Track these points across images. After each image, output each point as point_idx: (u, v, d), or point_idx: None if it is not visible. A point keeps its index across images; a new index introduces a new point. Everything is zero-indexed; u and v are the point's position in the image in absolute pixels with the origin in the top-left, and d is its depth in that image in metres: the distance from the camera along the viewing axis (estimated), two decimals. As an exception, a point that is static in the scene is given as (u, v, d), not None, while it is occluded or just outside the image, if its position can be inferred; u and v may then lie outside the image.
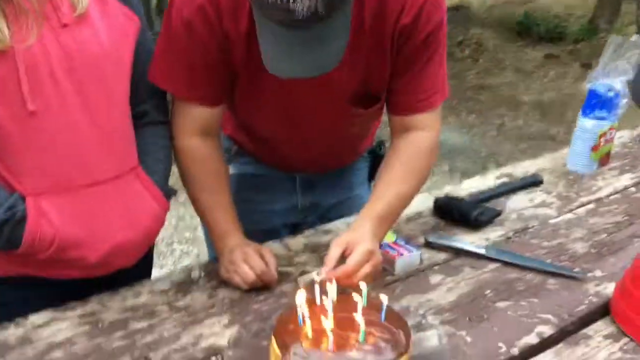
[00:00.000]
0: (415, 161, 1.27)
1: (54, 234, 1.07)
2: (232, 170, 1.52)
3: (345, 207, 1.56)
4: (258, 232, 1.44)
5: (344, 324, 0.97)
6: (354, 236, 1.16)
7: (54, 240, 1.07)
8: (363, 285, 1.03)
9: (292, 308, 0.99)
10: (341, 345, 0.94)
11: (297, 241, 1.43)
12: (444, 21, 1.19)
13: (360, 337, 0.94)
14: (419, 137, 1.27)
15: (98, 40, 1.09)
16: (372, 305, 1.01)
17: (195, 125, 1.25)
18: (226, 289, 1.24)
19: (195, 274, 1.30)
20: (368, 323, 0.98)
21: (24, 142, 1.05)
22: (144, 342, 1.08)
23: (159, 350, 1.06)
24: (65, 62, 1.05)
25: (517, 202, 1.63)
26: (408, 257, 1.30)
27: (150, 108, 1.25)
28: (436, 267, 1.33)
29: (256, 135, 1.43)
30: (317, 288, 1.02)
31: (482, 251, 1.36)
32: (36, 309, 1.16)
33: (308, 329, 0.95)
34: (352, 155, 1.53)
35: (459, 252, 1.38)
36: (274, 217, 1.54)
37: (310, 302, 1.00)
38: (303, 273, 1.28)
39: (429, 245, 1.41)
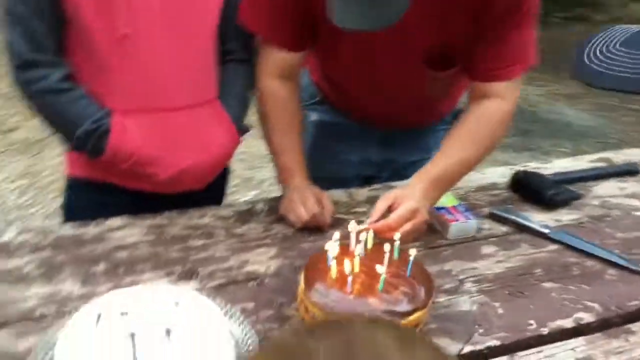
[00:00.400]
0: (483, 129, 1.25)
1: (133, 149, 1.19)
2: (314, 116, 1.58)
3: (420, 168, 1.56)
4: (331, 180, 1.50)
5: (370, 272, 1.00)
6: (403, 193, 1.18)
7: (132, 155, 1.19)
8: (397, 239, 1.06)
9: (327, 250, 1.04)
10: (360, 290, 0.98)
11: (362, 192, 1.46)
12: None
13: (380, 286, 0.97)
14: (491, 106, 1.25)
15: None
16: (404, 260, 1.04)
17: (276, 68, 1.31)
18: (281, 225, 1.31)
19: (258, 207, 1.38)
20: (392, 275, 1.01)
21: (115, 63, 1.17)
22: (196, 258, 1.19)
23: (207, 268, 1.16)
24: (163, 5, 1.14)
25: (606, 189, 1.55)
26: (463, 224, 1.30)
27: (237, 46, 1.33)
28: (493, 239, 1.32)
29: (336, 85, 1.47)
30: (353, 235, 1.07)
31: (546, 231, 1.32)
32: (115, 214, 1.30)
33: (333, 270, 1.00)
34: (430, 116, 1.52)
35: (522, 229, 1.35)
36: (348, 168, 1.59)
37: (345, 247, 1.05)
38: (358, 223, 1.32)
39: (492, 216, 1.39)
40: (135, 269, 1.15)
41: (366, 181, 1.59)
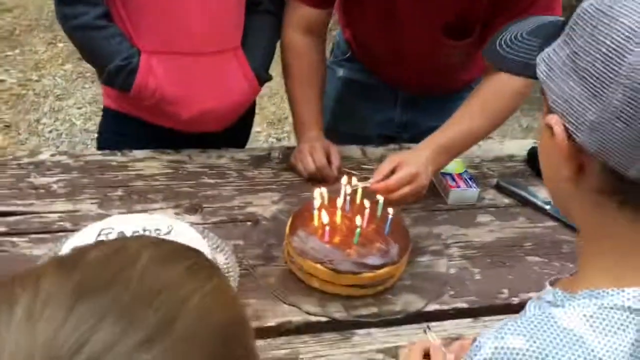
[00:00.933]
0: (494, 101, 1.27)
1: (156, 87, 1.29)
2: (342, 72, 1.62)
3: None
4: (353, 136, 1.56)
5: (351, 225, 1.07)
6: (407, 157, 1.23)
7: (156, 93, 1.29)
8: (380, 198, 1.12)
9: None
10: (337, 241, 1.05)
11: (376, 151, 1.51)
12: None
13: (355, 239, 1.04)
14: (505, 79, 1.26)
15: None
16: (385, 217, 1.10)
17: (300, 22, 1.36)
18: (290, 174, 1.38)
19: (274, 154, 1.46)
20: (372, 230, 1.08)
21: (148, 6, 1.26)
22: (205, 194, 1.29)
23: (212, 204, 1.26)
24: None
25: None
26: (463, 191, 1.34)
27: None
28: (491, 209, 1.35)
29: (362, 45, 1.50)
30: (342, 189, 1.13)
31: (547, 207, 1.34)
32: (141, 146, 1.41)
33: (316, 219, 1.08)
34: (451, 82, 1.54)
35: (525, 202, 1.37)
36: (370, 125, 1.63)
37: (334, 200, 1.12)
38: (365, 179, 1.38)
39: (498, 187, 1.41)
40: (147, 198, 1.26)
41: (387, 141, 1.63)
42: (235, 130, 1.46)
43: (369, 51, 1.50)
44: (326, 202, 1.11)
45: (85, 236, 1.01)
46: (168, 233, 1.04)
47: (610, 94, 0.49)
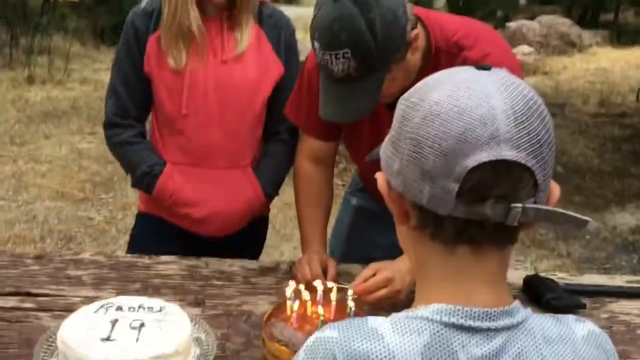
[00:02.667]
0: None
1: (173, 191, 1.56)
2: (355, 201, 1.81)
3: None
4: (362, 259, 1.70)
5: (318, 314, 1.19)
6: (386, 265, 1.36)
7: (173, 196, 1.56)
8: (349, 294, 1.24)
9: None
10: (305, 328, 1.17)
11: (376, 270, 1.63)
12: None
13: (319, 324, 1.16)
14: None
15: (245, 75, 1.56)
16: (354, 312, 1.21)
17: (310, 152, 1.59)
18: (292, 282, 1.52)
19: (282, 266, 1.62)
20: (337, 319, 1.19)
21: (177, 131, 1.55)
22: (210, 293, 1.45)
23: (213, 301, 1.42)
24: (217, 86, 1.54)
25: (624, 307, 1.54)
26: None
27: (283, 130, 1.66)
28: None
29: (363, 175, 1.70)
30: (319, 286, 1.27)
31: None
32: (167, 244, 1.64)
33: (288, 308, 1.21)
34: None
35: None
36: (377, 249, 1.75)
37: (313, 296, 1.26)
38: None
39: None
40: (160, 292, 1.44)
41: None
42: (246, 241, 1.65)
43: (368, 179, 1.69)
44: (303, 294, 1.24)
45: (90, 309, 1.19)
46: (159, 311, 1.20)
47: (403, 146, 0.67)
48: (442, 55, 1.32)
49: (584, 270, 3.40)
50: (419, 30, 1.29)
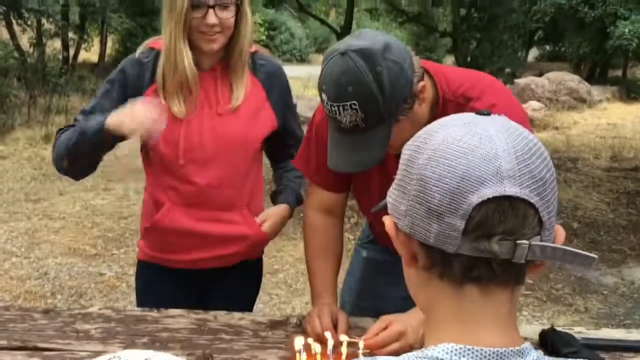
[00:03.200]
0: None
1: (173, 225, 1.63)
2: (365, 253, 1.79)
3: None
4: (374, 312, 1.67)
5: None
6: (398, 318, 1.34)
7: (172, 229, 1.62)
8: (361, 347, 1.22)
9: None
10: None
11: (388, 323, 1.60)
12: None
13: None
14: None
15: (240, 127, 1.60)
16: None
17: (319, 203, 1.59)
18: (302, 336, 1.50)
19: (292, 319, 1.59)
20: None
21: (175, 177, 1.61)
22: (218, 347, 1.42)
23: (222, 355, 1.39)
24: (212, 136, 1.58)
25: (645, 363, 1.50)
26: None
27: (288, 160, 1.75)
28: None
29: (374, 226, 1.69)
30: (330, 339, 1.25)
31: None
32: (168, 288, 1.68)
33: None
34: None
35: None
36: (390, 302, 1.72)
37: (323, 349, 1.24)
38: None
39: None
40: (167, 346, 1.41)
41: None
42: (245, 273, 1.74)
43: (379, 230, 1.68)
44: (312, 348, 1.22)
45: (95, 361, 1.18)
46: (165, 365, 1.18)
47: (410, 187, 0.69)
48: (449, 106, 1.34)
49: (602, 326, 3.32)
50: (426, 82, 1.30)
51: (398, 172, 0.73)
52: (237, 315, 1.59)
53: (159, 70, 1.56)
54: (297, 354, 1.20)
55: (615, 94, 15.68)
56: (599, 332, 1.64)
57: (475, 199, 0.63)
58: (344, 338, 1.28)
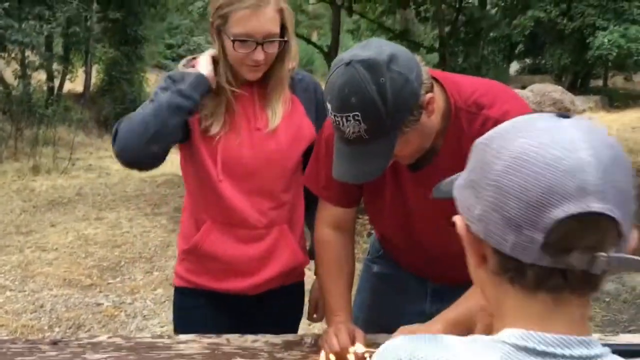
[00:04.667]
0: None
1: (212, 247, 1.62)
2: (376, 268, 1.77)
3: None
4: (386, 327, 1.64)
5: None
6: (418, 329, 1.32)
7: (212, 252, 1.62)
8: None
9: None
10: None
11: (405, 339, 1.57)
12: None
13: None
14: None
15: (278, 143, 1.58)
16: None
17: (329, 219, 1.56)
18: (317, 356, 1.47)
19: (306, 339, 1.56)
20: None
21: (215, 194, 1.58)
22: (234, 371, 1.39)
23: (240, 379, 1.35)
24: (252, 151, 1.56)
25: (667, 366, 1.48)
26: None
27: None
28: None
29: (384, 237, 1.67)
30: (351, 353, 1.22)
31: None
32: (209, 315, 1.66)
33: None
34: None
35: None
36: (403, 317, 1.70)
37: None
38: None
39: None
40: (182, 372, 1.38)
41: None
42: (283, 303, 1.71)
43: (390, 246, 1.66)
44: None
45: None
46: (186, 391, 1.15)
47: (485, 192, 0.67)
48: (462, 115, 1.33)
49: (608, 333, 3.30)
50: (436, 92, 1.29)
51: (468, 168, 0.71)
52: (250, 337, 1.56)
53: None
54: (321, 373, 1.16)
55: (598, 103, 15.90)
56: (617, 338, 1.63)
57: (558, 214, 0.61)
58: (364, 350, 1.24)
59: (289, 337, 1.59)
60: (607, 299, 3.90)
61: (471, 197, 0.69)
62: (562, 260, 0.62)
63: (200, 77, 1.49)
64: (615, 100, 16.95)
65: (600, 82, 20.72)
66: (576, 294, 0.66)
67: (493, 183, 0.65)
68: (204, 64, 1.52)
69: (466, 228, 0.71)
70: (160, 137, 1.45)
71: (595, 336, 1.60)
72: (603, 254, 0.62)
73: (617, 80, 20.41)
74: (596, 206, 0.61)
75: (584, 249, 0.62)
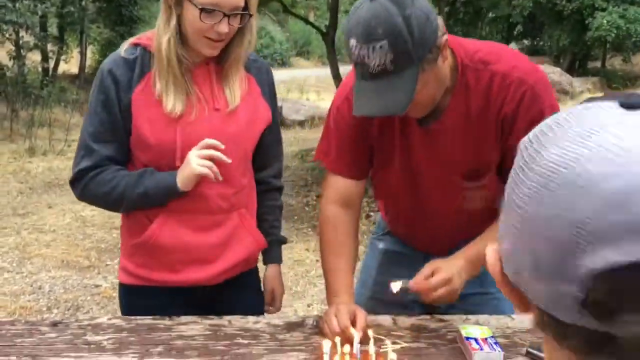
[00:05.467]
0: None
1: (170, 236, 1.53)
2: (382, 245, 1.77)
3: (474, 302, 1.63)
4: (392, 304, 1.64)
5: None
6: (443, 264, 1.41)
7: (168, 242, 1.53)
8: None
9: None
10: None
11: (407, 320, 1.57)
12: (545, 112, 1.31)
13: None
14: None
15: (238, 124, 1.53)
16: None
17: (337, 196, 1.55)
18: (321, 338, 1.46)
19: (308, 320, 1.55)
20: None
21: None
22: (236, 352, 1.38)
23: (242, 361, 1.35)
24: (212, 135, 1.47)
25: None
26: (487, 354, 1.35)
27: (268, 176, 1.69)
28: (519, 373, 1.34)
29: (392, 214, 1.66)
30: (356, 337, 1.21)
31: (577, 372, 1.31)
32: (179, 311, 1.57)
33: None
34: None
35: (556, 369, 1.35)
36: (407, 294, 1.70)
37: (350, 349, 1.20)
38: (395, 344, 1.43)
39: (528, 354, 1.41)
40: (183, 354, 1.37)
41: (425, 309, 1.68)
42: (239, 292, 1.66)
43: (397, 219, 1.65)
44: (338, 346, 1.17)
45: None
46: (188, 373, 1.13)
47: (511, 219, 0.50)
48: (468, 72, 1.36)
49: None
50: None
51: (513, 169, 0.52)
52: (251, 319, 1.55)
53: (152, 65, 1.47)
54: (325, 355, 1.15)
55: (596, 85, 15.86)
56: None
57: (592, 262, 0.44)
58: (370, 335, 1.24)
59: (291, 318, 1.59)
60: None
61: (503, 220, 0.51)
62: (609, 324, 0.45)
63: (173, 196, 1.49)
64: (613, 82, 16.91)
65: (598, 64, 20.66)
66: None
67: (516, 209, 0.48)
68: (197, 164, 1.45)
69: (499, 266, 0.52)
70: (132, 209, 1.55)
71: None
72: None
73: (615, 62, 20.35)
74: None
75: (633, 309, 0.44)
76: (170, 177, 1.47)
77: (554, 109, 1.34)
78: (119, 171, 1.51)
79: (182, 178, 1.46)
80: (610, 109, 0.46)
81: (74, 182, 1.54)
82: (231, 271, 1.61)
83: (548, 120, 0.50)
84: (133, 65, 1.49)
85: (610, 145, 0.44)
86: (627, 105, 0.46)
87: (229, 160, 1.45)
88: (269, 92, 1.63)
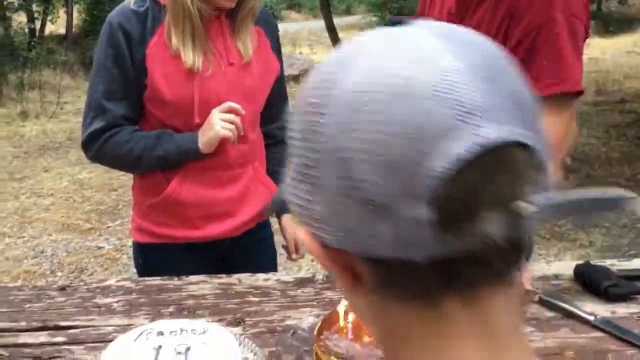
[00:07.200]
0: None
1: (188, 193, 1.53)
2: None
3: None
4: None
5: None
6: None
7: (188, 197, 1.53)
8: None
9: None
10: (362, 339, 1.09)
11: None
12: (558, 18, 1.26)
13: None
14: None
15: (252, 78, 1.51)
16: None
17: None
18: (332, 292, 1.45)
19: (318, 276, 1.54)
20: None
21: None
22: (248, 310, 1.37)
23: (254, 318, 1.33)
24: (228, 88, 1.46)
25: (682, 289, 1.47)
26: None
27: (275, 128, 1.65)
28: (533, 322, 1.33)
29: None
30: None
31: (591, 318, 1.31)
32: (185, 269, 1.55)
33: (341, 319, 1.13)
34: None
35: (570, 316, 1.34)
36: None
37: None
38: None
39: (541, 302, 1.40)
40: (196, 314, 1.35)
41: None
42: (257, 245, 1.68)
43: None
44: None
45: (129, 337, 1.11)
46: (203, 333, 1.12)
47: (322, 176, 0.43)
48: None
49: (608, 258, 3.33)
50: None
51: (292, 153, 0.47)
52: (261, 276, 1.53)
53: (167, 18, 1.42)
54: (340, 311, 1.14)
55: (592, 29, 15.64)
56: (631, 264, 1.61)
57: (435, 165, 0.38)
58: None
59: (301, 274, 1.57)
60: (607, 225, 3.93)
61: (309, 192, 0.44)
62: (469, 234, 0.39)
63: (193, 157, 1.48)
64: (609, 25, 16.67)
65: (594, 7, 20.33)
66: (499, 283, 0.43)
67: (326, 156, 0.42)
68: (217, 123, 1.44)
69: (319, 243, 0.45)
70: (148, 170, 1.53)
71: (610, 262, 1.60)
72: (525, 204, 0.39)
73: (612, 4, 20.02)
74: (488, 132, 0.39)
75: (491, 205, 0.39)
76: (190, 139, 1.45)
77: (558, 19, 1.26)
78: (135, 132, 1.47)
79: (205, 141, 1.44)
80: (381, 30, 0.45)
81: (86, 144, 1.50)
82: (250, 223, 1.62)
83: (314, 73, 0.46)
84: (144, 18, 1.43)
85: (400, 52, 0.42)
86: (394, 23, 0.45)
87: (242, 133, 1.46)
88: (277, 43, 1.61)
